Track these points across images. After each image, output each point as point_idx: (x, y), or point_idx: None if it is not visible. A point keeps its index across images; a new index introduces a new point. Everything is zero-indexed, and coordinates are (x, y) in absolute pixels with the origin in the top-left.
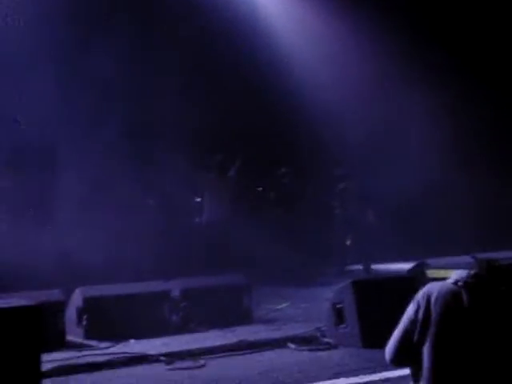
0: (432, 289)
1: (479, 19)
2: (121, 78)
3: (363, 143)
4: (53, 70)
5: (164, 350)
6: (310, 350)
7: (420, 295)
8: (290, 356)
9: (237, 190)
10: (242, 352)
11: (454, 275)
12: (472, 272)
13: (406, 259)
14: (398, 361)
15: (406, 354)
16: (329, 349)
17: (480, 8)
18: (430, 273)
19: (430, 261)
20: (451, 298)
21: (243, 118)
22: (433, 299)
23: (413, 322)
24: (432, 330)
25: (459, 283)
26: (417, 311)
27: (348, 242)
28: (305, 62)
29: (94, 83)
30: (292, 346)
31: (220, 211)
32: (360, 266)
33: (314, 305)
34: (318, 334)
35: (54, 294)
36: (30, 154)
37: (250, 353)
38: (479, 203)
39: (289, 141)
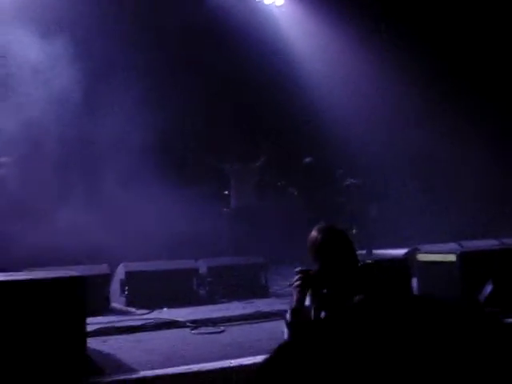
0: None
1: None
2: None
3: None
4: None
5: (191, 317)
6: None
7: None
8: None
9: (261, 181)
10: (257, 321)
11: None
12: None
13: (402, 246)
14: None
15: None
16: None
17: None
18: (421, 256)
19: (421, 247)
20: None
21: (268, 118)
22: None
23: None
24: None
25: None
26: None
27: (354, 231)
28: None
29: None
30: None
31: (245, 199)
32: (363, 251)
33: None
34: None
35: (103, 268)
36: None
37: (264, 321)
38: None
39: (310, 139)
